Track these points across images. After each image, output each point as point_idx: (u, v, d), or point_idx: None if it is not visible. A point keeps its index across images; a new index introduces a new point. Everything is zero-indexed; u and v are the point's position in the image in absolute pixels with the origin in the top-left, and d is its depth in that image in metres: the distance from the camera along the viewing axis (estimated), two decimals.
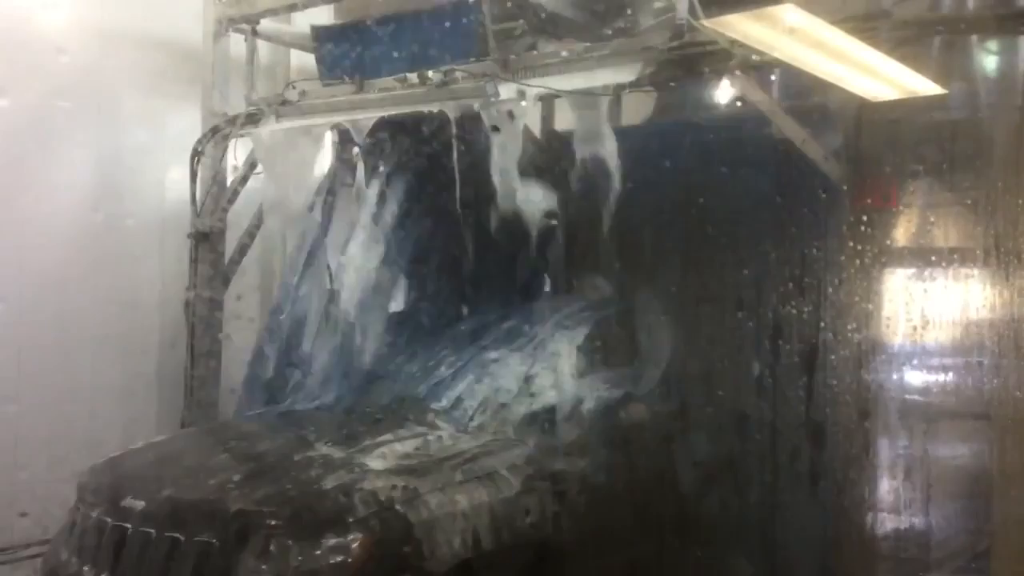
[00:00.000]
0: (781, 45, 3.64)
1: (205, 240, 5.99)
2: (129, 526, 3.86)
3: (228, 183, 6.08)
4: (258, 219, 6.27)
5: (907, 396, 4.76)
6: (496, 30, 4.83)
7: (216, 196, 6.01)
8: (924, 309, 4.52)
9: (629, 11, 4.81)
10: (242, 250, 6.24)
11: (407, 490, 3.83)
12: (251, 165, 6.07)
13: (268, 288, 6.87)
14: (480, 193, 4.99)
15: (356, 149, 5.40)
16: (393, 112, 5.15)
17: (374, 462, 4.04)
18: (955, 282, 4.56)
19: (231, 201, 6.09)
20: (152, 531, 3.78)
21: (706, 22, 3.83)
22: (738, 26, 3.60)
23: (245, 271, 6.42)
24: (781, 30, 3.50)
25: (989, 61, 4.48)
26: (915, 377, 4.77)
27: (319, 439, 4.40)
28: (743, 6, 3.72)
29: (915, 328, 4.50)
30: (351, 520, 3.63)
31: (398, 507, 3.74)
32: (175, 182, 6.11)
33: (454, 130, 4.84)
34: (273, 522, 3.64)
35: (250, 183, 6.12)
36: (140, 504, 3.91)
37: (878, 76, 3.86)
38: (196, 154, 5.93)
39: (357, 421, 4.77)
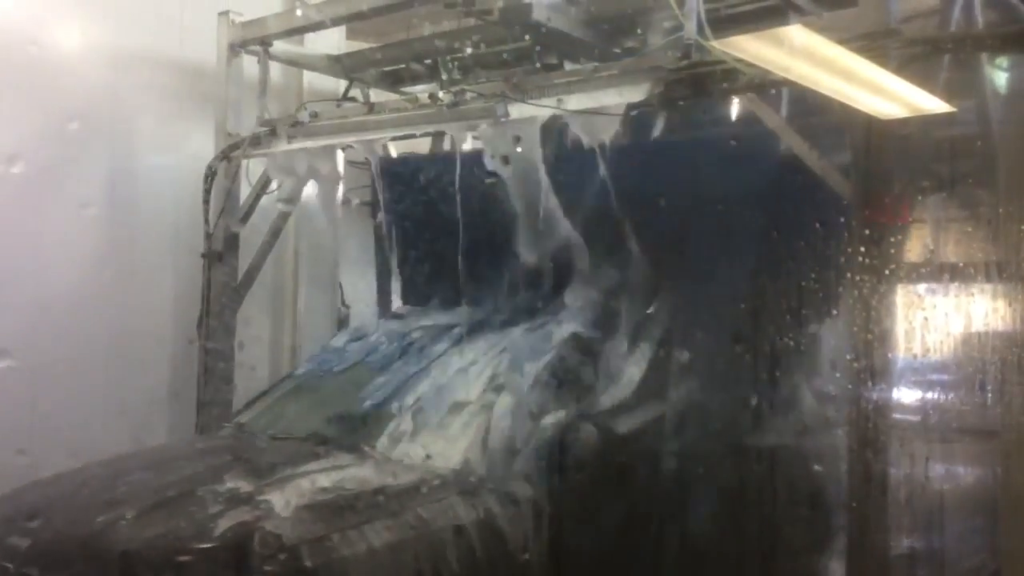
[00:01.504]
0: (790, 65, 3.65)
1: (218, 260, 6.03)
2: (11, 566, 3.55)
3: (240, 203, 6.14)
4: (270, 238, 6.33)
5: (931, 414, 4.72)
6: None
7: (229, 216, 6.06)
8: (946, 328, 4.51)
9: (639, 31, 4.84)
10: (255, 269, 6.29)
11: (314, 530, 3.44)
12: (263, 185, 6.12)
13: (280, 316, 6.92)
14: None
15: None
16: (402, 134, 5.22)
17: (284, 497, 3.64)
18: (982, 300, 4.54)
19: (244, 221, 6.14)
20: (35, 572, 3.50)
21: (715, 42, 3.84)
22: (747, 46, 3.61)
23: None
24: (790, 50, 3.52)
25: (998, 78, 4.49)
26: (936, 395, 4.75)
27: (233, 468, 4.03)
28: (752, 26, 3.75)
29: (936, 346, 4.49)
30: (245, 564, 3.31)
31: (303, 549, 3.38)
32: (188, 203, 6.14)
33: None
34: (159, 565, 3.33)
35: (262, 203, 6.18)
36: (25, 543, 3.61)
37: (887, 94, 3.86)
38: (209, 174, 5.99)
39: (281, 447, 4.45)
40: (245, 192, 6.16)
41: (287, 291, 6.97)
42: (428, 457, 4.25)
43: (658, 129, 5.45)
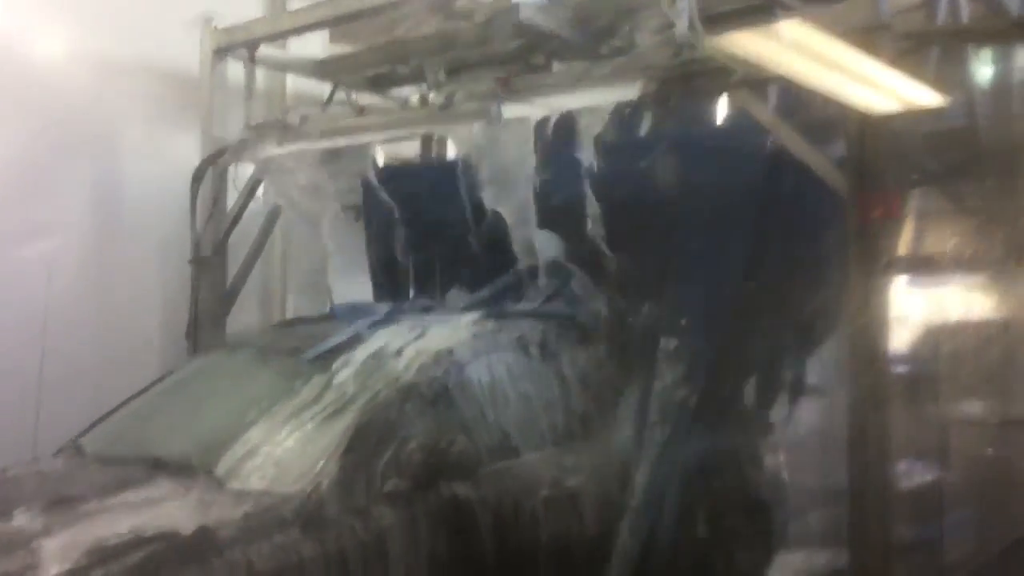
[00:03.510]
0: (782, 60, 3.66)
1: (206, 266, 6.00)
2: None
3: (228, 208, 6.10)
4: (258, 243, 6.30)
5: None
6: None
7: (216, 222, 6.01)
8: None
9: (627, 27, 4.83)
10: (243, 275, 6.25)
11: None
12: (251, 190, 6.08)
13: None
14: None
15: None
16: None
17: (69, 540, 3.02)
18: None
19: (232, 227, 6.10)
20: None
21: (706, 39, 3.85)
22: (739, 43, 3.62)
23: None
24: (782, 45, 3.53)
25: (987, 71, 4.52)
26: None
27: (32, 501, 3.37)
28: (744, 23, 3.77)
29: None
30: None
31: None
32: (176, 209, 6.09)
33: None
34: None
35: (250, 208, 6.15)
36: None
37: (880, 88, 3.88)
38: (196, 180, 5.95)
39: (104, 474, 3.77)
40: (232, 198, 6.12)
41: (275, 296, 6.93)
42: (269, 483, 3.56)
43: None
